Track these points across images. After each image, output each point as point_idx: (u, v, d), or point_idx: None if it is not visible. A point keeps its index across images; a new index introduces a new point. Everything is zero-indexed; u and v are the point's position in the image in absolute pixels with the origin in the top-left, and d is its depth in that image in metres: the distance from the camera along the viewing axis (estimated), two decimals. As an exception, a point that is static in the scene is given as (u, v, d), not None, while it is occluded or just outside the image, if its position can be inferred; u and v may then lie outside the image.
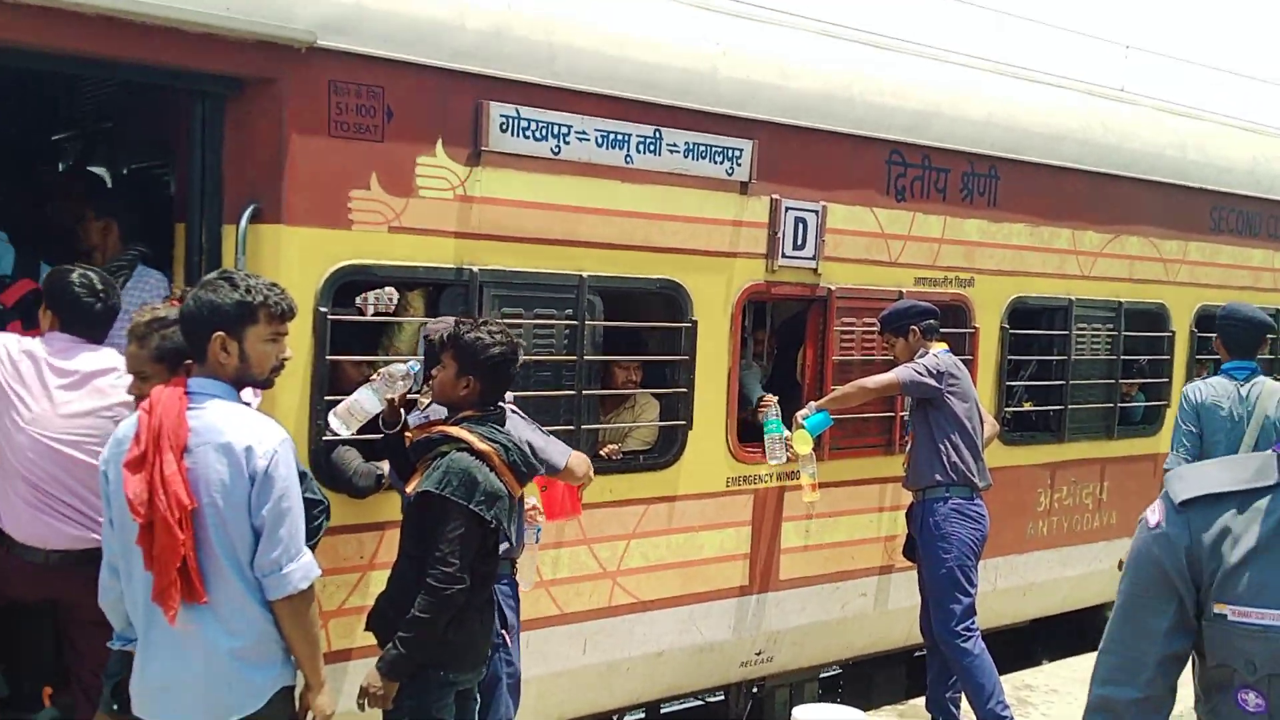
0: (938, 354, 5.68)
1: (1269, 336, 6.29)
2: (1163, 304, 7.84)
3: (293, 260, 4.25)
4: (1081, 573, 7.56)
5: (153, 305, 3.71)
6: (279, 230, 4.24)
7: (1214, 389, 5.83)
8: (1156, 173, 7.64)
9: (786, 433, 5.83)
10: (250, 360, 3.27)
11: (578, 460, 4.43)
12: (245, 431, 3.16)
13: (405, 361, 3.95)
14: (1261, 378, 5.88)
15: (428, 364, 3.95)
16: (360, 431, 4.11)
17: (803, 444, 5.62)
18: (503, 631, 4.15)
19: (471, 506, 3.57)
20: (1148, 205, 7.62)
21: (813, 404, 5.74)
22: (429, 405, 4.01)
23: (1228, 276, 8.28)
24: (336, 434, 4.02)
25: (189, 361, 3.34)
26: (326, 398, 4.33)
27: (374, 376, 3.91)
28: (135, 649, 3.30)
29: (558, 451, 4.34)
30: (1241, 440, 5.68)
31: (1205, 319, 8.15)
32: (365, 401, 3.86)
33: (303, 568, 3.20)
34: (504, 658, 4.20)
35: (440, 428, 3.75)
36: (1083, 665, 7.25)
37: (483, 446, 3.67)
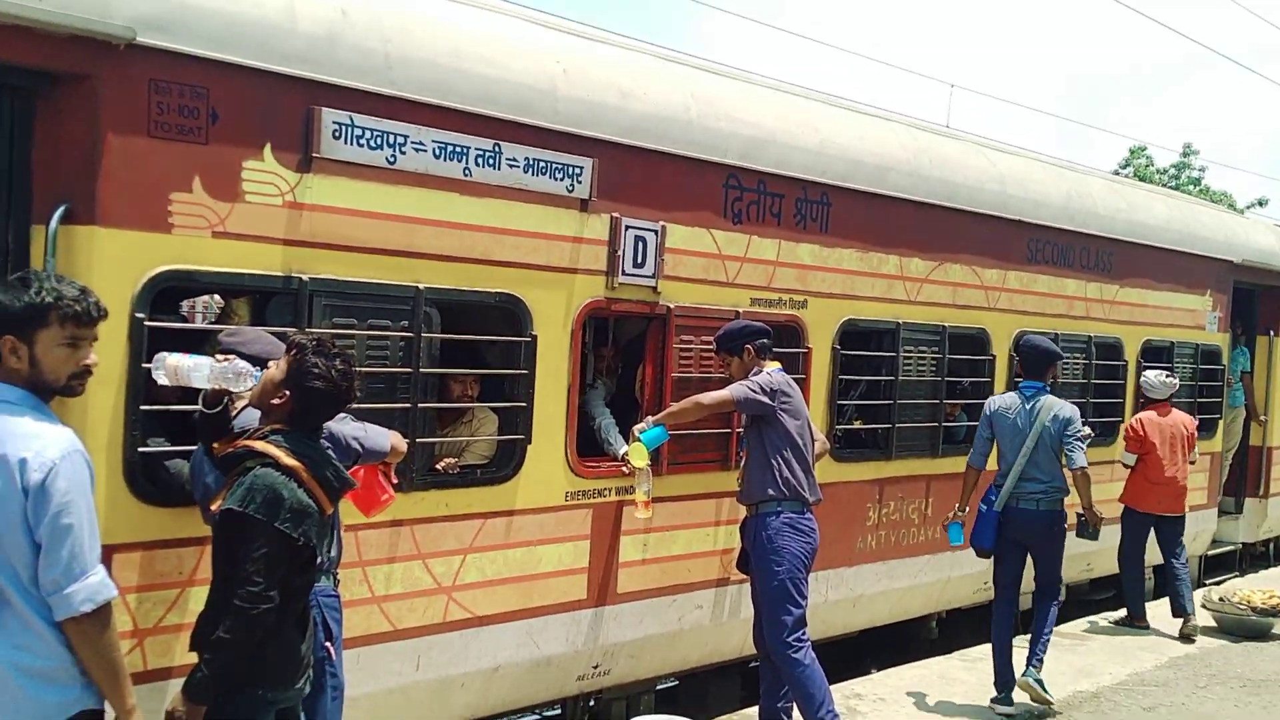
0: (771, 372, 5.82)
1: (1057, 363, 7.23)
2: (984, 329, 8.23)
3: (107, 264, 4.08)
4: (908, 585, 7.83)
5: None
6: (93, 232, 4.07)
7: (1005, 401, 7.04)
8: (978, 204, 8.04)
9: (624, 447, 5.89)
10: (42, 366, 3.13)
11: (397, 438, 4.50)
12: (22, 443, 3.02)
13: (256, 367, 3.78)
14: (1046, 396, 6.95)
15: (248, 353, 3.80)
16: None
17: (639, 458, 5.68)
18: (326, 644, 4.05)
19: (277, 525, 3.45)
20: (970, 235, 8.01)
21: (650, 419, 5.81)
22: (242, 409, 3.89)
23: (1044, 304, 8.76)
24: (153, 377, 3.81)
25: None
26: (143, 407, 4.17)
27: (220, 358, 3.74)
28: None
29: (379, 435, 4.33)
30: (1024, 444, 6.80)
31: (1023, 343, 8.59)
32: (196, 374, 3.67)
33: (87, 589, 3.04)
34: (328, 670, 4.10)
35: (246, 441, 3.63)
36: (909, 674, 7.53)
37: (289, 462, 3.55)
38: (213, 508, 3.64)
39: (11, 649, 3.01)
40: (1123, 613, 9.25)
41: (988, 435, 6.97)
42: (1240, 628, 8.97)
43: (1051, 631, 7.03)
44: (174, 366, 3.69)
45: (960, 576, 8.24)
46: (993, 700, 6.87)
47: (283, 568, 3.50)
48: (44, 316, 3.11)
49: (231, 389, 3.73)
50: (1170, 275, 10.14)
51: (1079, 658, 8.06)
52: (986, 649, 8.12)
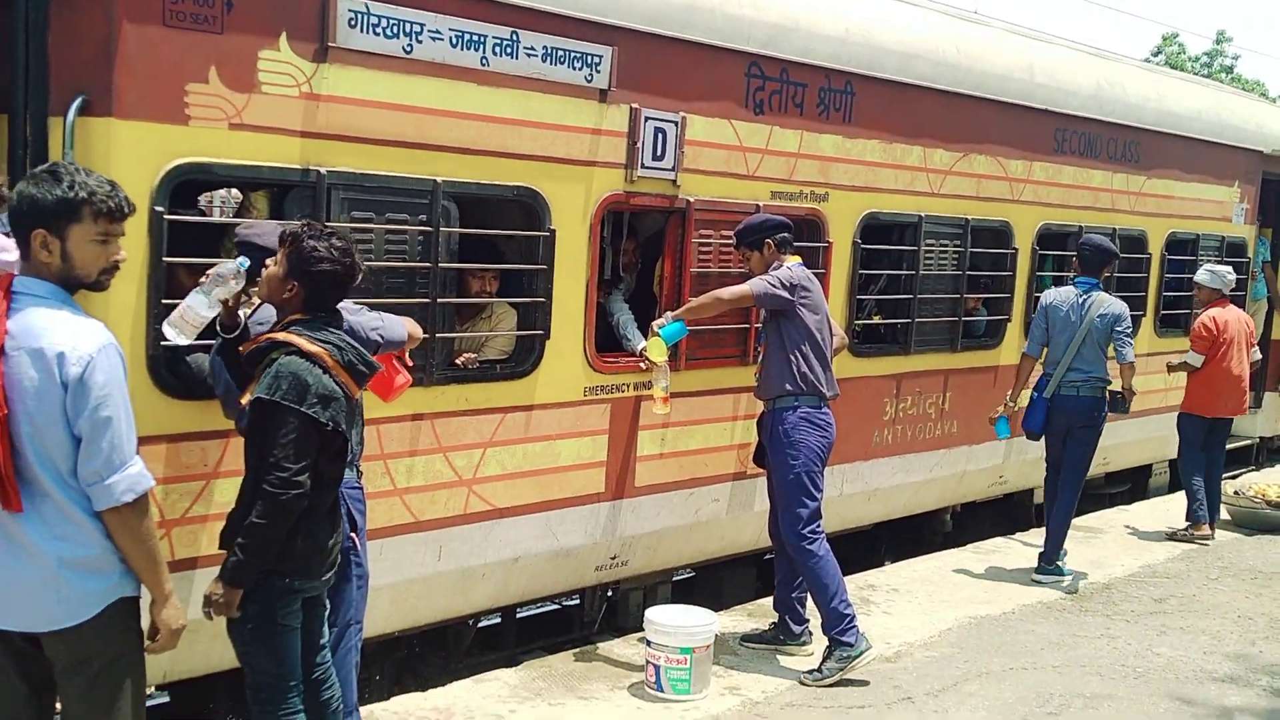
0: (791, 267, 5.77)
1: (1112, 261, 7.53)
2: (1007, 222, 8.12)
3: (125, 156, 4.05)
4: (923, 479, 7.89)
5: None
6: (110, 124, 4.03)
7: (1060, 295, 7.38)
8: (1004, 94, 7.86)
9: (643, 342, 5.90)
10: (74, 260, 3.12)
11: (413, 325, 4.53)
12: (60, 336, 3.02)
13: (234, 259, 3.79)
14: (1098, 292, 7.30)
15: (253, 247, 3.80)
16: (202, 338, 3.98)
17: (658, 353, 5.69)
18: (351, 535, 4.13)
19: (304, 409, 3.51)
20: (995, 125, 7.85)
21: (669, 314, 5.80)
22: (258, 306, 3.90)
23: (1069, 196, 8.62)
24: (174, 343, 3.87)
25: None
26: (164, 301, 4.18)
27: (202, 278, 3.77)
28: None
29: (396, 324, 4.35)
30: (1074, 337, 7.20)
31: (1047, 237, 8.50)
32: (196, 305, 3.71)
33: (127, 479, 3.09)
34: (354, 559, 4.18)
35: (269, 335, 3.67)
36: (922, 566, 7.65)
37: (312, 348, 3.59)
38: (242, 401, 3.68)
39: (53, 540, 3.07)
40: (1174, 523, 8.80)
41: (1044, 325, 7.34)
42: (1254, 521, 9.03)
43: (1065, 531, 7.40)
44: (179, 317, 3.73)
45: (975, 471, 8.31)
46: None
47: (312, 453, 3.55)
48: (77, 211, 3.09)
49: (233, 292, 3.73)
50: (1198, 166, 9.95)
51: (1092, 550, 8.16)
52: (999, 542, 8.28)
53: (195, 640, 4.08)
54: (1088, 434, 7.31)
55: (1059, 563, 7.40)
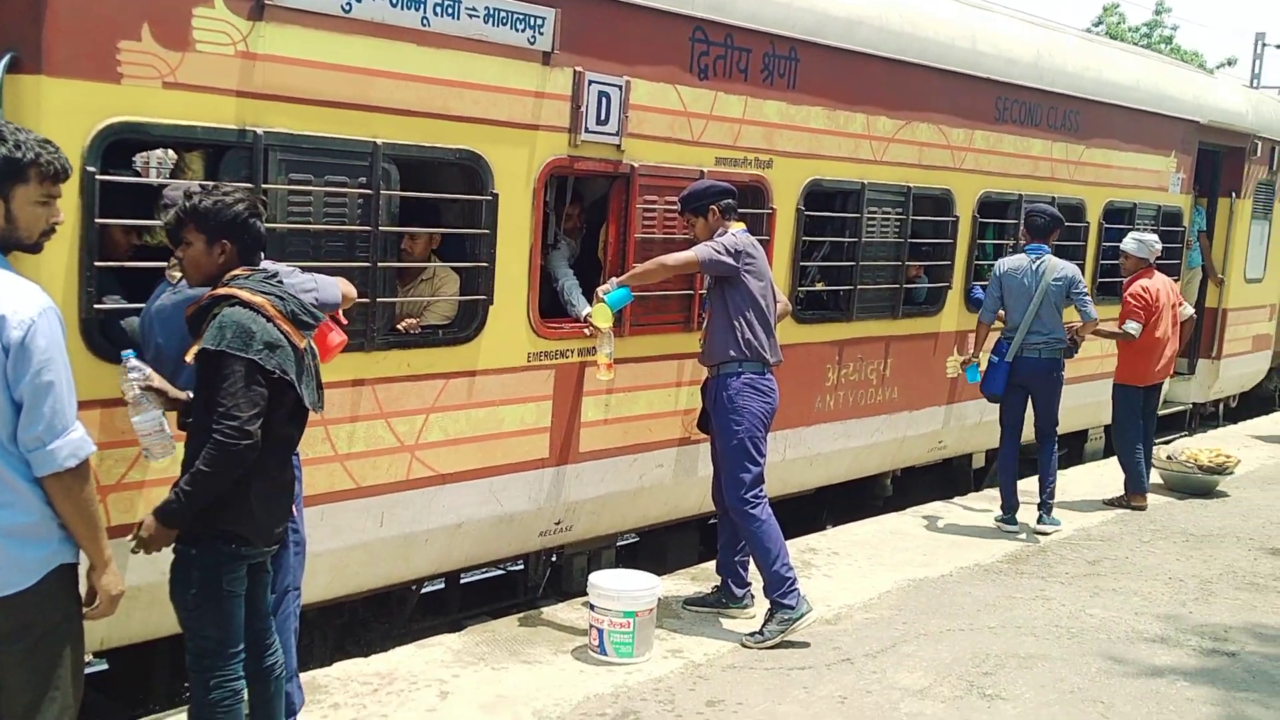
0: (736, 233, 5.78)
1: (1059, 228, 7.89)
2: (948, 190, 8.20)
3: (56, 115, 3.95)
4: (864, 444, 7.98)
5: None
6: (39, 81, 3.93)
7: (1014, 263, 7.74)
8: (947, 62, 7.91)
9: (587, 308, 5.88)
10: (18, 222, 3.07)
11: (345, 284, 4.47)
12: (0, 300, 2.96)
13: (120, 358, 3.72)
14: (1049, 257, 7.68)
15: (170, 237, 3.73)
16: None
17: (602, 319, 5.67)
18: (289, 501, 4.09)
19: (250, 355, 3.48)
20: (938, 94, 7.90)
21: (614, 279, 5.79)
22: (179, 280, 3.84)
23: (1009, 165, 8.72)
24: (167, 458, 3.81)
25: None
26: (97, 264, 4.10)
27: (127, 401, 3.71)
28: None
29: (329, 285, 4.30)
30: (1031, 301, 7.55)
31: (987, 205, 8.59)
32: (140, 423, 3.66)
33: (69, 444, 3.05)
34: (290, 526, 4.14)
35: (211, 292, 3.63)
36: (863, 530, 7.75)
37: (253, 298, 3.57)
38: (187, 359, 3.63)
39: None
40: (1109, 489, 8.88)
41: (997, 294, 7.69)
42: (1185, 485, 9.23)
43: (1055, 476, 7.94)
44: (146, 441, 3.68)
45: (915, 436, 8.42)
46: (999, 520, 7.88)
47: (262, 402, 3.51)
48: (24, 173, 3.04)
49: (148, 375, 3.67)
50: (1136, 136, 10.10)
51: (1026, 514, 8.30)
52: (939, 506, 8.41)
53: (134, 607, 4.05)
54: (1050, 391, 7.72)
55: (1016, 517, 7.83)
